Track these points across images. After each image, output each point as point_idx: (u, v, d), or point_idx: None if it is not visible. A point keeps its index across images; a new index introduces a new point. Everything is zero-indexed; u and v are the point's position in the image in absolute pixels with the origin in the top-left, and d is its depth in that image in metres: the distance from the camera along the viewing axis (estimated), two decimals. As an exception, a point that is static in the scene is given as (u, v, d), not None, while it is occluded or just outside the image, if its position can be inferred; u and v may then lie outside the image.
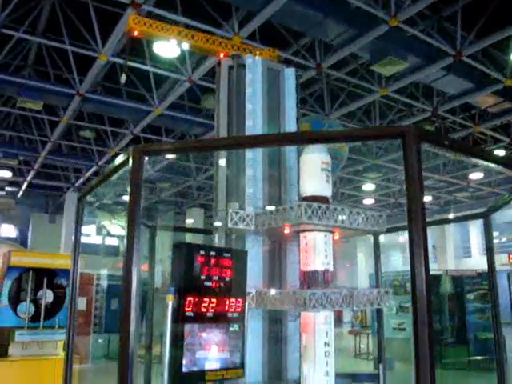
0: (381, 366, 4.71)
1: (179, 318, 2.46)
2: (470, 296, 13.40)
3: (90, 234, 25.10)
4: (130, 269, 2.35)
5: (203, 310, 2.56)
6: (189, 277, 2.55)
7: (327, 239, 3.57)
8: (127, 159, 2.63)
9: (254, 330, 3.90)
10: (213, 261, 2.67)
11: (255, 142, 2.54)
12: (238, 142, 2.52)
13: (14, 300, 9.12)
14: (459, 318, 13.19)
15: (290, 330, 4.09)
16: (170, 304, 2.46)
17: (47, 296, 9.35)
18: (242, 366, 2.77)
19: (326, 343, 3.43)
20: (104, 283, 14.77)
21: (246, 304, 2.89)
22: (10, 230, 26.13)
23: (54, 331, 9.08)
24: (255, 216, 3.68)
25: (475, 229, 27.27)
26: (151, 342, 4.82)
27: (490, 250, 4.42)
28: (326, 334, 3.44)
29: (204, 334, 2.56)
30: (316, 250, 3.51)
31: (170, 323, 2.44)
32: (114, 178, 3.18)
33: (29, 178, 19.16)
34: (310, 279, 3.49)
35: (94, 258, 17.57)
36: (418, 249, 2.10)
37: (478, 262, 23.05)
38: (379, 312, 5.18)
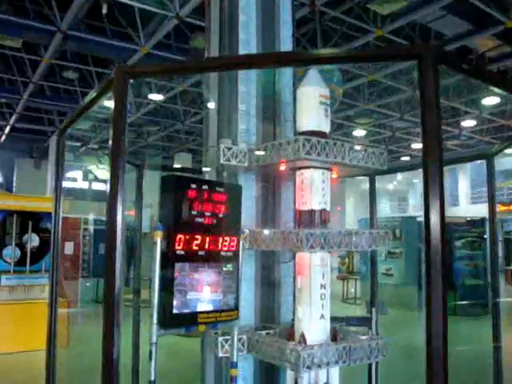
0: (374, 310, 4.63)
1: (169, 256, 2.26)
2: (458, 243, 13.48)
3: (76, 179, 24.76)
4: (114, 204, 2.13)
5: (195, 248, 2.37)
6: (179, 212, 2.34)
7: (325, 177, 3.36)
8: (110, 82, 2.36)
9: (246, 272, 3.75)
10: (205, 195, 2.45)
11: (249, 62, 2.28)
12: (229, 61, 2.25)
13: (-1, 244, 8.97)
14: (447, 264, 13.29)
15: (284, 272, 3.95)
16: (159, 241, 2.25)
17: (33, 240, 9.20)
18: (237, 307, 2.61)
19: (322, 285, 3.28)
20: (91, 228, 14.64)
21: (241, 243, 2.70)
22: (-7, 176, 25.69)
23: (41, 275, 8.99)
24: (249, 152, 3.45)
25: (464, 178, 27.33)
26: (139, 286, 4.70)
27: (491, 193, 4.26)
28: (323, 275, 3.29)
29: (196, 274, 2.37)
30: (313, 189, 3.30)
31: (158, 262, 2.25)
32: (96, 108, 2.92)
33: (11, 122, 18.58)
34: (305, 219, 3.30)
35: (81, 203, 17.38)
36: (434, 183, 1.89)
37: (465, 210, 23.19)
38: (372, 256, 5.07)
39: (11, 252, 8.91)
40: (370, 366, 4.21)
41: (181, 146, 22.17)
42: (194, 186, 2.39)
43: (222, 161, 3.33)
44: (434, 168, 1.91)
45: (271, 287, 3.92)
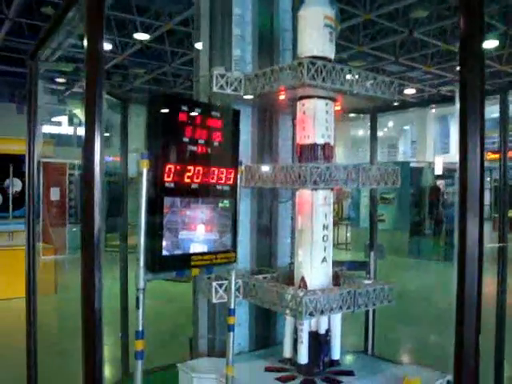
0: (372, 254, 4.43)
1: (157, 189, 1.95)
2: (451, 189, 13.34)
3: (61, 123, 24.03)
4: (92, 128, 1.79)
5: (187, 180, 2.05)
6: (168, 138, 2.00)
7: (329, 108, 3.04)
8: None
9: (241, 211, 3.47)
10: (198, 120, 2.11)
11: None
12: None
13: (-21, 189, 8.62)
14: (438, 210, 13.18)
15: (281, 213, 3.68)
16: (145, 172, 1.94)
17: (15, 185, 8.85)
18: (234, 248, 2.32)
19: (324, 226, 3.01)
20: (77, 173, 14.23)
21: (238, 176, 2.39)
22: (-26, 121, 24.82)
23: (25, 221, 8.65)
24: (245, 80, 3.09)
25: (456, 125, 27.03)
26: (127, 231, 4.45)
27: (504, 133, 3.95)
28: (325, 216, 3.02)
29: (188, 211, 2.07)
30: (316, 120, 2.98)
31: (144, 197, 1.94)
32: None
33: (-11, 63, 17.73)
34: (307, 154, 2.99)
35: (66, 149, 16.89)
36: (474, 108, 1.56)
37: (456, 158, 23.03)
38: (372, 198, 4.80)
39: (-8, 197, 8.57)
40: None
41: (168, 90, 21.45)
42: (185, 108, 2.05)
43: (214, 89, 2.98)
44: (474, 91, 1.56)
45: (268, 229, 3.66)
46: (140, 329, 1.99)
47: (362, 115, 5.06)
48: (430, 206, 13.14)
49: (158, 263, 1.96)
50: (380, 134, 28.99)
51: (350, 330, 4.64)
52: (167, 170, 1.95)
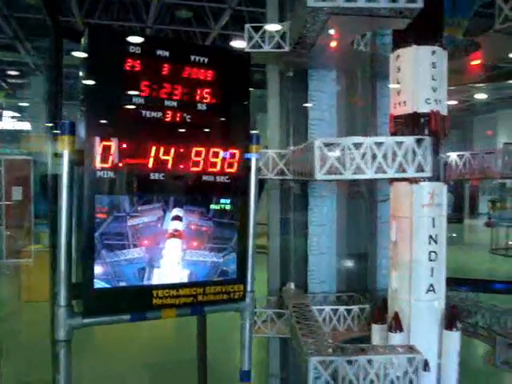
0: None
1: (85, 181, 1.15)
2: None
3: None
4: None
5: (143, 165, 1.22)
6: (104, 98, 1.18)
7: (438, 58, 1.99)
8: None
9: (324, 215, 2.57)
10: (165, 68, 1.25)
11: None
12: None
13: None
14: None
15: (382, 215, 2.68)
16: (66, 155, 1.17)
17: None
18: (242, 277, 1.40)
19: (431, 238, 1.98)
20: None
21: (253, 159, 1.47)
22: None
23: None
24: (287, 29, 2.17)
25: None
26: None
27: None
28: (433, 221, 1.98)
29: (146, 217, 1.24)
30: (415, 77, 1.95)
31: (65, 193, 1.17)
32: None
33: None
34: (402, 128, 1.98)
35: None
36: None
37: None
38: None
39: None
40: None
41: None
42: (135, 49, 1.19)
43: (247, 49, 2.12)
44: None
45: (362, 237, 2.67)
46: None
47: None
48: None
49: (88, 301, 1.18)
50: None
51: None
52: (101, 148, 1.14)
